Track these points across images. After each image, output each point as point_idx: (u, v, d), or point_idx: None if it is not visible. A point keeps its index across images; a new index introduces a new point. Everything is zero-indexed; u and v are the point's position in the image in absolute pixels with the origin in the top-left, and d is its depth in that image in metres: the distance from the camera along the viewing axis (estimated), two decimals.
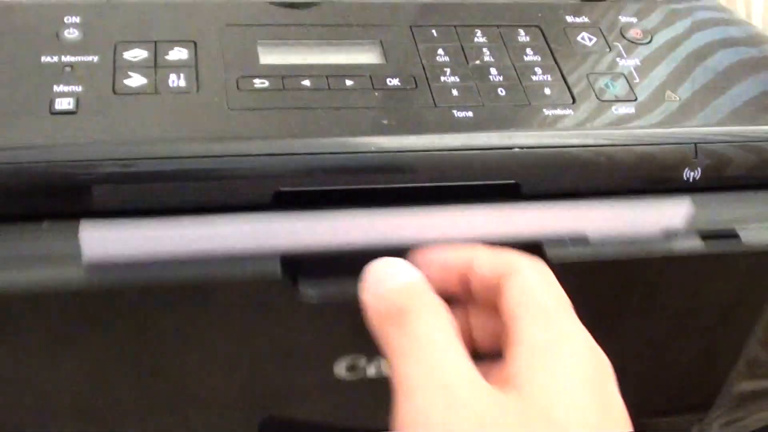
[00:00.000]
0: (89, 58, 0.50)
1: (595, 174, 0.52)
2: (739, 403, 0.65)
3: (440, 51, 0.54)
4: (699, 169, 0.53)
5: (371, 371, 0.53)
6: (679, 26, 0.60)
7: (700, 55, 0.58)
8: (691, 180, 0.53)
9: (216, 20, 0.54)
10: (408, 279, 0.41)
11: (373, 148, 0.49)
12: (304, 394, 0.54)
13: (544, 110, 0.52)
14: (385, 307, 0.40)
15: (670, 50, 0.58)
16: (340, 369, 0.53)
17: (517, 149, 0.50)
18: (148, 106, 0.49)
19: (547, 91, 0.53)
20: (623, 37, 0.58)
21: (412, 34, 0.55)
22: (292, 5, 0.56)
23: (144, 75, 0.50)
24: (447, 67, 0.54)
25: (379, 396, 0.42)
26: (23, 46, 0.51)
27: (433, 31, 0.56)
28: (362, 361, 0.53)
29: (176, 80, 0.50)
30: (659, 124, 0.53)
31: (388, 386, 0.39)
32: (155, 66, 0.51)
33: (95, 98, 0.48)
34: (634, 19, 0.59)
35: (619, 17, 0.59)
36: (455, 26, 0.56)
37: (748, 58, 0.59)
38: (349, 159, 0.49)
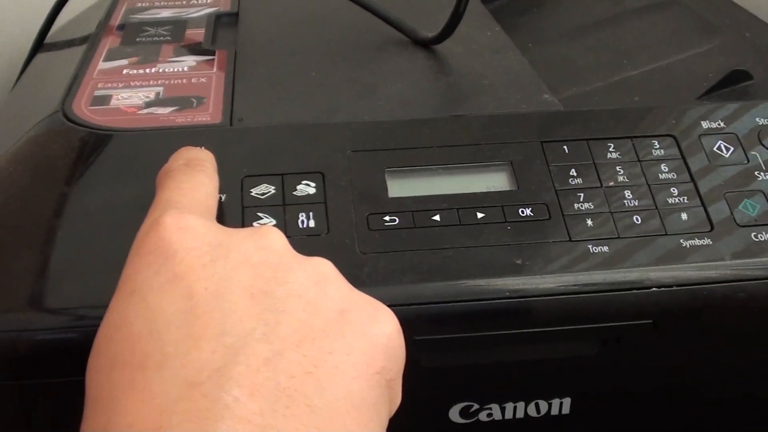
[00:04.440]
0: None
1: (734, 311, 0.50)
2: None
3: (573, 171, 0.53)
4: None
5: (483, 416, 0.54)
6: None
7: None
8: None
9: (342, 145, 0.53)
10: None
11: (507, 293, 0.48)
12: None
13: (681, 241, 0.50)
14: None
15: None
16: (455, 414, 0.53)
17: (654, 289, 0.49)
18: None
19: (684, 216, 0.51)
20: (761, 144, 0.55)
21: (543, 151, 0.54)
22: (418, 123, 0.55)
23: (273, 215, 0.49)
24: (580, 191, 0.52)
25: None
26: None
27: (565, 147, 0.54)
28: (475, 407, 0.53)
29: (306, 220, 0.49)
30: None
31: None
32: (284, 204, 0.50)
33: None
34: None
35: (756, 119, 0.56)
36: (587, 140, 0.54)
37: None
38: (483, 306, 0.48)
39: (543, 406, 0.54)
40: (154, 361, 0.33)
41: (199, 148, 0.48)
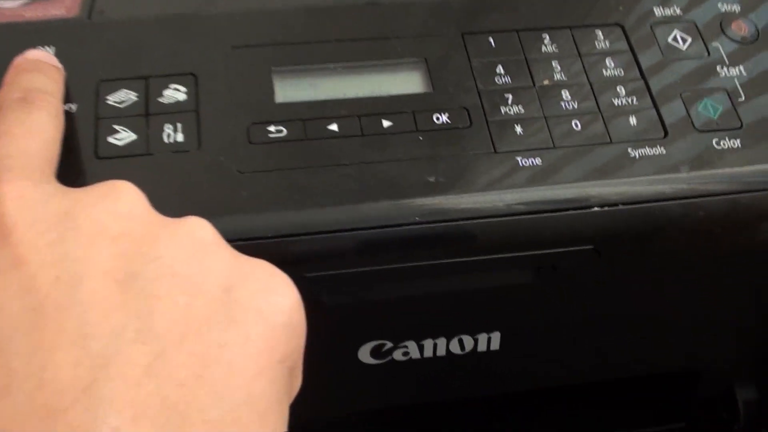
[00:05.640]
0: (65, 107, 0.40)
1: (691, 232, 0.42)
2: None
3: (500, 68, 0.44)
4: None
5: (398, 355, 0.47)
6: None
7: None
8: None
9: (220, 40, 0.44)
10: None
11: (417, 218, 0.40)
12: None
13: (629, 150, 0.42)
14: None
15: None
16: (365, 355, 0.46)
17: (596, 209, 0.40)
18: (139, 172, 0.39)
19: (633, 120, 0.43)
20: (724, 33, 0.47)
21: (464, 44, 0.45)
22: (313, 12, 0.45)
23: (133, 128, 0.40)
24: (508, 92, 0.43)
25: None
26: None
27: (491, 39, 0.45)
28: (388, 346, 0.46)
29: (172, 133, 0.40)
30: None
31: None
32: (146, 114, 0.41)
33: (74, 165, 0.39)
34: (736, 6, 0.48)
35: (718, 5, 0.48)
36: (518, 31, 0.45)
37: None
38: (387, 234, 0.40)
39: (468, 342, 0.46)
40: None
41: (45, 53, 0.41)
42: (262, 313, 0.29)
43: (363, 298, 0.43)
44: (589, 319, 0.47)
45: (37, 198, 0.30)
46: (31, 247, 0.28)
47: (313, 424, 0.43)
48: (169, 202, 0.38)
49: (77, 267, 0.28)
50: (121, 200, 0.30)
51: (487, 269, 0.42)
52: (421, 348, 0.46)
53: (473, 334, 0.46)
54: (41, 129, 0.35)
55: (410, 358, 0.46)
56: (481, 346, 0.47)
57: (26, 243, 0.28)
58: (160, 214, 0.31)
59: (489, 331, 0.46)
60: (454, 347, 0.47)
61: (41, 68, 0.39)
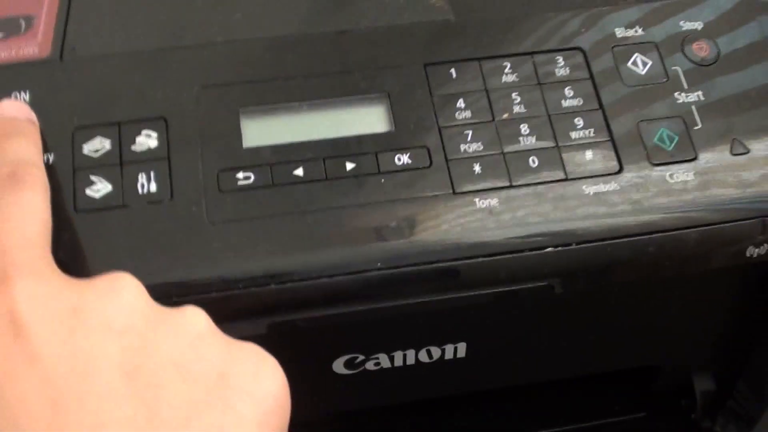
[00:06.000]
0: (43, 158, 0.43)
1: (640, 267, 0.44)
2: None
3: (461, 102, 0.45)
4: (766, 246, 0.45)
5: (370, 366, 0.50)
6: (757, 31, 0.49)
7: None
8: (755, 256, 0.45)
9: (190, 79, 0.45)
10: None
11: (379, 264, 0.42)
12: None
13: (584, 187, 0.44)
14: None
15: (743, 73, 0.48)
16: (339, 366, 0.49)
17: (550, 249, 0.43)
18: (116, 225, 0.42)
19: (589, 155, 0.45)
20: (684, 55, 0.48)
21: (426, 76, 0.46)
22: (280, 45, 0.47)
23: (109, 178, 0.43)
24: (468, 128, 0.45)
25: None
26: None
27: (452, 70, 0.46)
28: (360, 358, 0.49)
29: (146, 184, 0.43)
30: (720, 192, 0.44)
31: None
32: (120, 163, 0.43)
33: (55, 220, 0.41)
34: (698, 24, 0.48)
35: (680, 23, 0.48)
36: (479, 59, 0.47)
37: None
38: (350, 281, 0.42)
39: (436, 351, 0.49)
40: None
41: (20, 107, 0.43)
42: (254, 397, 0.33)
43: (335, 322, 0.46)
44: (551, 326, 0.50)
45: (48, 294, 0.32)
46: (45, 342, 0.31)
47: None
48: (146, 256, 0.41)
49: (89, 361, 0.31)
50: (123, 294, 0.33)
51: (446, 306, 0.44)
52: (391, 359, 0.49)
53: (440, 345, 0.49)
54: (36, 210, 0.37)
55: (381, 367, 0.49)
56: (449, 355, 0.49)
57: (40, 339, 0.31)
58: (158, 305, 0.34)
59: (455, 342, 0.49)
60: (423, 357, 0.49)
61: (21, 130, 0.40)
